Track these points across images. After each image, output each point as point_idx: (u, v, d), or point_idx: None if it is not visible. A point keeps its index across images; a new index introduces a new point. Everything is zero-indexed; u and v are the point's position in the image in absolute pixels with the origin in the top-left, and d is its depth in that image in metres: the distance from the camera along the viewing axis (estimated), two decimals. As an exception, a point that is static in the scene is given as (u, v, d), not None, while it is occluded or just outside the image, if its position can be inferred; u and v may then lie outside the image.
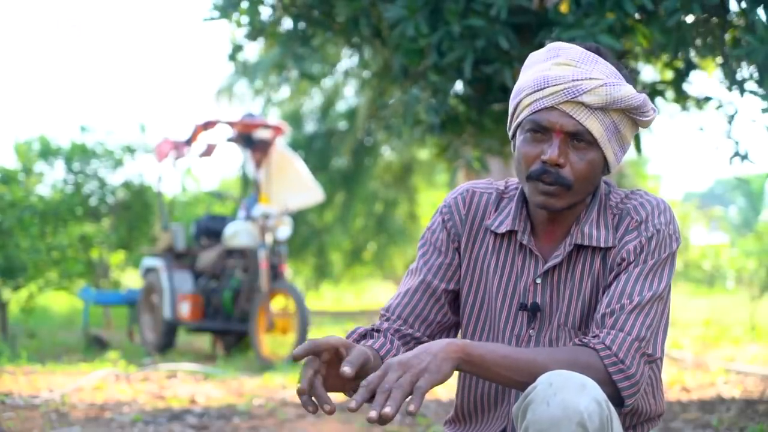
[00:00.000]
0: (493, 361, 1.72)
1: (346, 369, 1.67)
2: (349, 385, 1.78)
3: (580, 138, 1.83)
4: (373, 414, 1.59)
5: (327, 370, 1.75)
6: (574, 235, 1.90)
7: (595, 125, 1.82)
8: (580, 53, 1.85)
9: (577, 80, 1.81)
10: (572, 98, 1.81)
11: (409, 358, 1.66)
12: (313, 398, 1.71)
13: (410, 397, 1.63)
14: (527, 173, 1.86)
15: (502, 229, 1.95)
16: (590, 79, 1.82)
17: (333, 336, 1.75)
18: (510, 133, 1.94)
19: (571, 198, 1.85)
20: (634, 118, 1.86)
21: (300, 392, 1.71)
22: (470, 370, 1.72)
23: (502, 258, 1.96)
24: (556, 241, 1.93)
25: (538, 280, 1.92)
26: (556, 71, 1.83)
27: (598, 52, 1.87)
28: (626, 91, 1.82)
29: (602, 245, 1.88)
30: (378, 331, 1.96)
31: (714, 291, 14.20)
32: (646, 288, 1.82)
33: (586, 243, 1.89)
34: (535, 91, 1.84)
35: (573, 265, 1.91)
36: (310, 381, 1.71)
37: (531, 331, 1.92)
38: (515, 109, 1.89)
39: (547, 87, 1.82)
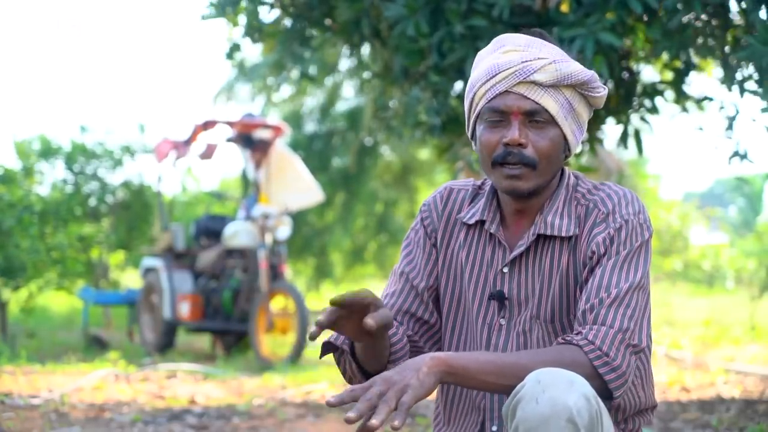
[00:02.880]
0: (477, 369, 1.72)
1: (369, 321, 1.71)
2: (363, 339, 1.82)
3: (538, 117, 1.87)
4: (352, 414, 1.60)
5: (353, 321, 1.80)
6: (538, 224, 1.92)
7: (550, 102, 1.86)
8: (526, 39, 1.91)
9: (527, 61, 1.86)
10: (524, 78, 1.86)
11: (392, 375, 1.67)
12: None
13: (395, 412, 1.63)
14: (491, 160, 1.90)
15: (472, 220, 1.99)
16: (539, 59, 1.87)
17: (367, 290, 1.78)
18: (469, 134, 1.98)
19: (537, 179, 1.88)
20: (585, 95, 1.90)
21: (319, 324, 1.77)
22: (455, 381, 1.73)
23: (474, 249, 1.99)
24: (523, 232, 1.95)
25: (505, 270, 1.94)
26: (506, 58, 1.88)
27: (542, 36, 1.93)
28: (575, 67, 1.87)
29: (564, 234, 1.90)
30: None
31: (714, 291, 14.20)
32: (623, 279, 1.83)
33: (548, 232, 1.91)
34: (487, 80, 1.88)
35: (540, 255, 1.92)
36: (329, 318, 1.77)
37: (501, 320, 1.94)
38: (471, 104, 1.94)
39: (499, 73, 1.87)
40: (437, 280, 2.02)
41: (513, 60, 1.87)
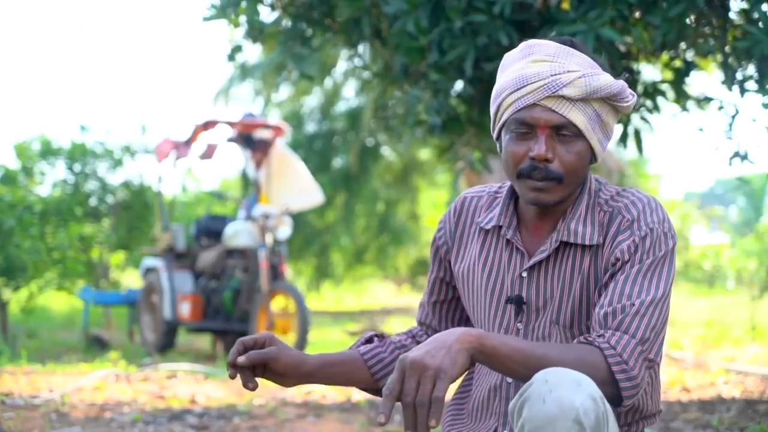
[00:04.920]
0: (506, 353, 1.72)
1: (241, 359, 1.84)
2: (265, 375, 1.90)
3: (565, 131, 1.85)
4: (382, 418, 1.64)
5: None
6: (561, 231, 1.91)
7: (578, 117, 1.85)
8: (555, 48, 1.88)
9: (556, 74, 1.84)
10: (553, 93, 1.83)
11: (423, 356, 1.65)
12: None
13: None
14: (517, 172, 1.88)
15: (489, 225, 1.99)
16: (568, 72, 1.84)
17: (263, 334, 1.90)
18: (494, 135, 1.97)
19: (563, 191, 1.88)
20: (614, 105, 1.89)
21: (230, 364, 1.85)
22: (482, 360, 1.72)
23: (491, 254, 1.99)
24: (543, 237, 1.95)
25: (524, 274, 1.94)
26: (534, 68, 1.85)
27: (572, 45, 1.90)
28: (604, 80, 1.85)
29: (587, 243, 1.89)
30: (381, 337, 2.11)
31: (714, 291, 14.19)
32: (645, 290, 1.81)
33: (571, 240, 1.90)
34: (515, 90, 1.86)
35: (561, 261, 1.91)
36: (233, 359, 1.85)
37: (519, 324, 1.94)
38: (497, 110, 1.92)
39: (527, 85, 1.84)
40: (447, 293, 2.11)
41: (542, 72, 1.84)
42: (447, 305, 2.12)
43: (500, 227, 1.98)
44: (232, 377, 1.85)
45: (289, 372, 1.89)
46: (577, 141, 1.86)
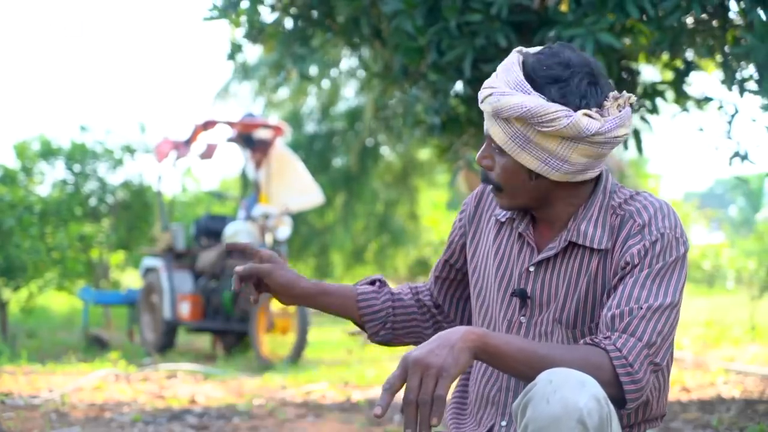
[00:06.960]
0: (509, 353, 1.72)
1: (238, 268, 2.06)
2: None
3: (492, 143, 1.90)
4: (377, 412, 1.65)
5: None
6: (570, 230, 1.91)
7: (497, 132, 1.86)
8: (505, 62, 1.89)
9: (484, 88, 1.88)
10: (480, 104, 1.89)
11: (426, 354, 1.66)
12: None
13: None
14: None
15: (505, 217, 2.01)
16: (489, 87, 1.86)
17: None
18: None
19: (510, 199, 1.92)
20: (538, 129, 1.81)
21: (235, 275, 2.04)
22: (485, 360, 1.73)
23: (503, 245, 2.00)
24: (554, 233, 1.95)
25: (532, 269, 1.94)
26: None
27: (522, 57, 1.87)
28: (506, 102, 1.81)
29: (596, 246, 1.88)
30: (383, 284, 2.15)
31: (714, 291, 14.19)
32: (654, 294, 1.81)
33: (579, 241, 1.89)
34: None
35: (569, 260, 1.91)
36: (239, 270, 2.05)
37: (522, 317, 1.95)
38: None
39: None
40: (449, 273, 2.15)
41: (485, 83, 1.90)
42: (448, 283, 2.16)
43: (514, 219, 1.99)
44: (236, 289, 2.00)
45: (281, 291, 2.04)
46: (504, 155, 1.88)
